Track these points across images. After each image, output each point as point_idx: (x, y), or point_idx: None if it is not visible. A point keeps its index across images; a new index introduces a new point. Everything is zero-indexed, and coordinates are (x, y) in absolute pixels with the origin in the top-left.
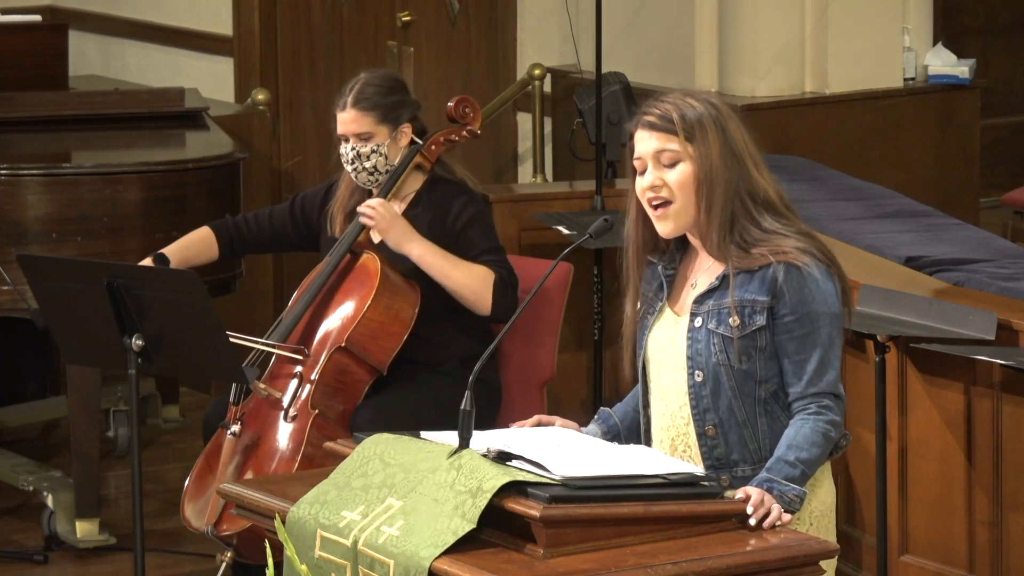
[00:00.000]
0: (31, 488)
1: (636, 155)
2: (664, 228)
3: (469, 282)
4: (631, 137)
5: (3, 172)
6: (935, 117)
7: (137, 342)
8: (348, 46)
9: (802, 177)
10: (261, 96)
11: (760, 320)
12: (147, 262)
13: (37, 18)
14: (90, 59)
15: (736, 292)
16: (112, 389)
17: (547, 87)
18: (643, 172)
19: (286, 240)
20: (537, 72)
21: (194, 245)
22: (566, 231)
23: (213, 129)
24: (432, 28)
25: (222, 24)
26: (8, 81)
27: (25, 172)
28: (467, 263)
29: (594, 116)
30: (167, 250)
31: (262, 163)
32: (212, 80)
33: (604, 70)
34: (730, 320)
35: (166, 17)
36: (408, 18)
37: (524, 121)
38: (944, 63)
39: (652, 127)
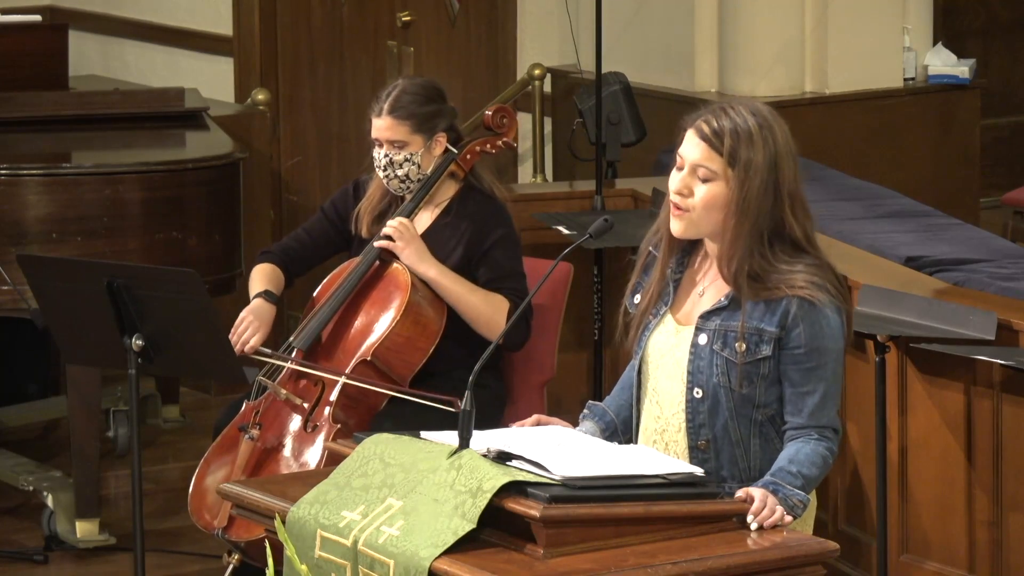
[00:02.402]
0: (31, 488)
1: (680, 151)
2: (676, 228)
3: (483, 309)
4: (684, 129)
5: (3, 172)
6: (935, 117)
7: (137, 342)
8: (348, 46)
9: (802, 177)
10: (261, 96)
11: (766, 350)
12: (260, 301)
13: (37, 18)
14: (90, 59)
15: (746, 319)
16: (112, 389)
17: (547, 87)
18: (680, 169)
19: (330, 245)
20: (537, 72)
21: (275, 276)
22: (566, 231)
23: (213, 129)
24: (432, 28)
25: (222, 24)
26: (8, 81)
27: (25, 172)
28: (482, 290)
29: (594, 116)
30: (265, 286)
31: (262, 163)
32: (212, 80)
33: (604, 70)
34: (736, 345)
35: (166, 17)
36: (408, 18)
37: (524, 121)
38: (944, 63)
39: (703, 137)
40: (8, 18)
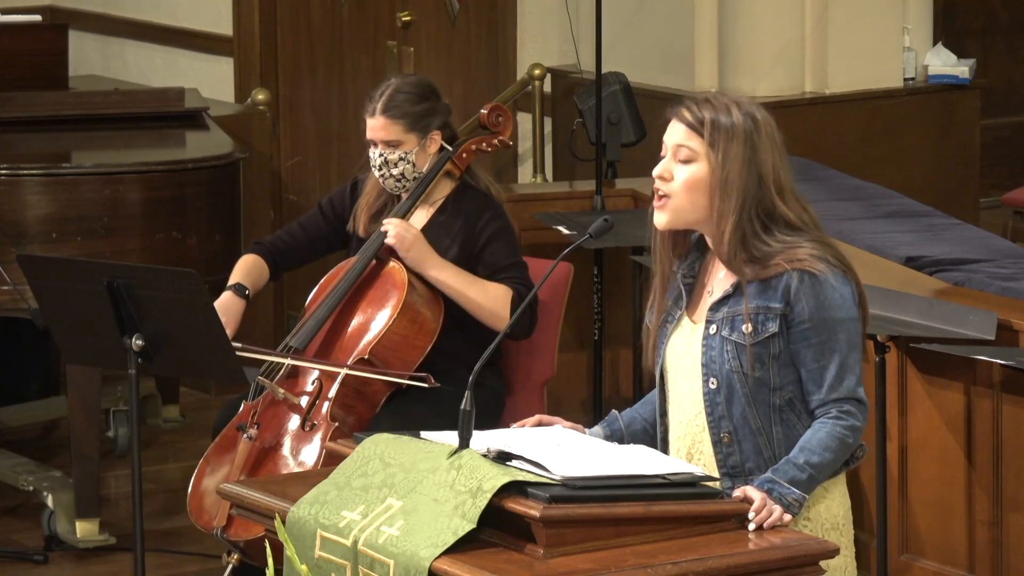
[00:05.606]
0: (31, 488)
1: (663, 139)
2: (659, 219)
3: (487, 302)
4: (667, 121)
5: (3, 172)
6: (935, 117)
7: (137, 342)
8: (348, 46)
9: (802, 177)
10: (261, 96)
11: (773, 327)
12: (229, 295)
13: (37, 18)
14: (90, 59)
15: (750, 300)
16: (112, 389)
17: (547, 87)
18: (663, 156)
19: (323, 243)
20: (537, 72)
21: (255, 270)
22: (566, 231)
23: (213, 129)
24: (432, 28)
25: (222, 24)
26: (8, 81)
27: (25, 172)
28: (484, 282)
29: (594, 116)
30: (240, 279)
31: (262, 163)
32: (212, 80)
33: (604, 70)
34: (743, 327)
35: (166, 17)
36: (408, 18)
37: (524, 121)
38: (944, 63)
39: (683, 121)
40: (8, 18)
